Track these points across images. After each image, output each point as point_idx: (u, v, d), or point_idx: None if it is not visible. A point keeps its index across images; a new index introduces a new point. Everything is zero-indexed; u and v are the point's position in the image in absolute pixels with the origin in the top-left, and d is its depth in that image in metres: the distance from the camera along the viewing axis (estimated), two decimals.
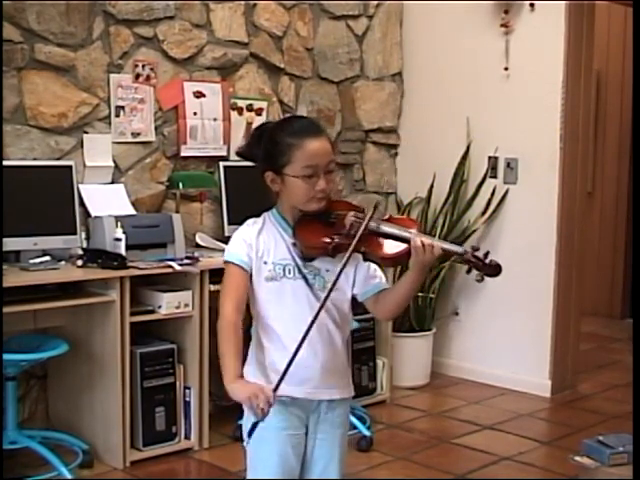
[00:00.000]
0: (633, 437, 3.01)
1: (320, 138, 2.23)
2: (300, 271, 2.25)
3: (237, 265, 2.24)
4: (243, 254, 2.25)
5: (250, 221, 2.33)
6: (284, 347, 2.23)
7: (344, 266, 2.17)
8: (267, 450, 2.29)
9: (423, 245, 2.14)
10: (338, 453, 2.35)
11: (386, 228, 2.23)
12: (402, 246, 2.20)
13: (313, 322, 2.14)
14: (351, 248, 2.17)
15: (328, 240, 2.21)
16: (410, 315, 5.12)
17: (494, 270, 2.18)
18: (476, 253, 2.17)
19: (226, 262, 2.27)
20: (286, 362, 2.15)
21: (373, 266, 2.32)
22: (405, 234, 2.20)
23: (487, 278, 2.19)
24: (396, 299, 2.28)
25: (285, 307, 2.25)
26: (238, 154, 2.41)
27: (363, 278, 2.30)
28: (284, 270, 2.25)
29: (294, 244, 2.25)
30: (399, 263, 2.28)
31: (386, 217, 2.31)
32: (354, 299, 2.35)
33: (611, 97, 7.12)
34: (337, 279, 2.18)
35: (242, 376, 2.20)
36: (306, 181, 2.20)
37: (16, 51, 3.94)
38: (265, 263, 2.25)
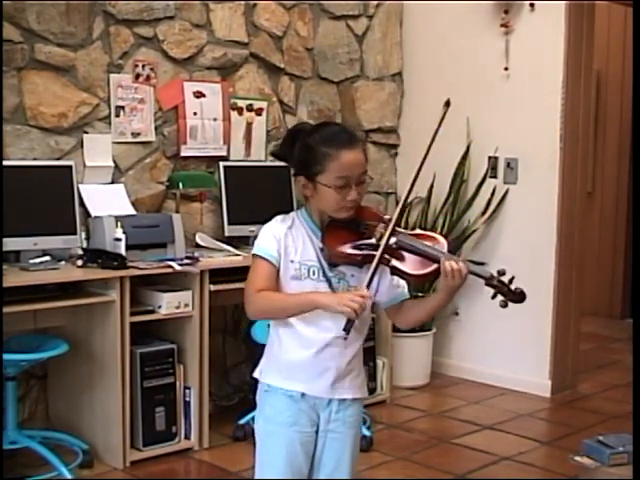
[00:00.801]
0: (633, 437, 3.01)
1: (355, 149, 2.23)
2: (325, 274, 2.25)
3: (266, 260, 2.25)
4: (273, 249, 2.25)
5: (279, 217, 2.32)
6: (303, 347, 2.25)
7: (372, 278, 2.19)
8: (275, 445, 2.29)
9: (452, 269, 2.15)
10: (349, 454, 2.36)
11: (416, 244, 2.23)
12: (431, 266, 2.20)
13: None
14: (376, 261, 2.18)
15: (357, 252, 2.22)
16: None
17: (519, 297, 2.20)
18: (502, 278, 2.19)
19: (255, 255, 2.27)
20: (302, 360, 2.21)
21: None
22: (434, 253, 2.20)
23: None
24: (420, 314, 2.33)
25: None
26: (272, 154, 2.43)
27: (387, 287, 2.31)
28: (309, 271, 2.25)
29: (322, 249, 2.26)
30: (426, 282, 2.32)
31: (416, 232, 2.33)
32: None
33: (611, 97, 7.12)
34: (368, 287, 2.18)
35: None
36: (338, 191, 2.20)
37: (16, 51, 3.94)
38: (292, 262, 2.25)
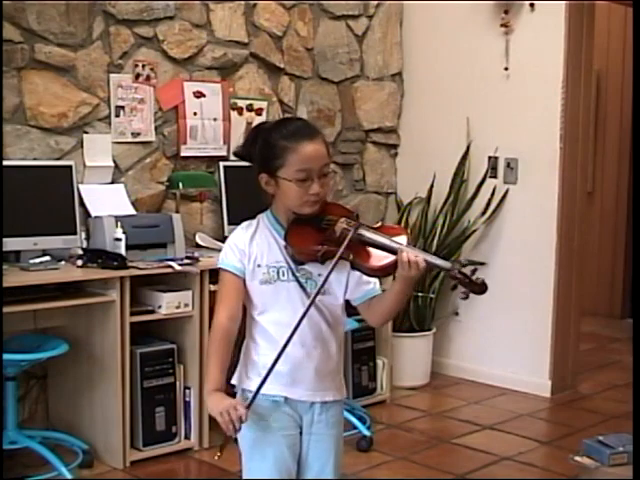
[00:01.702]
0: (633, 437, 3.01)
1: (314, 141, 2.20)
2: (294, 274, 2.23)
3: (230, 272, 2.24)
4: (235, 260, 2.24)
5: (244, 224, 2.31)
6: (278, 348, 2.21)
7: (329, 274, 2.16)
8: (262, 451, 2.27)
9: (409, 260, 2.12)
10: (334, 454, 2.33)
11: (374, 237, 2.20)
12: (390, 258, 2.16)
13: (301, 319, 2.14)
14: (337, 256, 2.15)
15: (318, 247, 2.19)
16: (410, 315, 5.12)
17: (479, 288, 2.14)
18: (463, 270, 2.14)
19: (220, 268, 2.27)
20: (279, 363, 2.16)
21: None
22: (393, 245, 2.17)
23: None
24: (383, 309, 2.27)
25: (279, 309, 2.24)
26: (235, 154, 2.40)
27: (355, 284, 2.28)
28: (278, 273, 2.24)
29: (286, 247, 2.23)
30: (387, 274, 2.24)
31: (378, 225, 2.29)
32: (348, 302, 2.34)
33: (611, 97, 7.12)
34: (322, 285, 2.17)
35: (223, 388, 2.21)
36: (300, 185, 2.18)
37: (16, 51, 3.94)
38: (259, 266, 2.24)
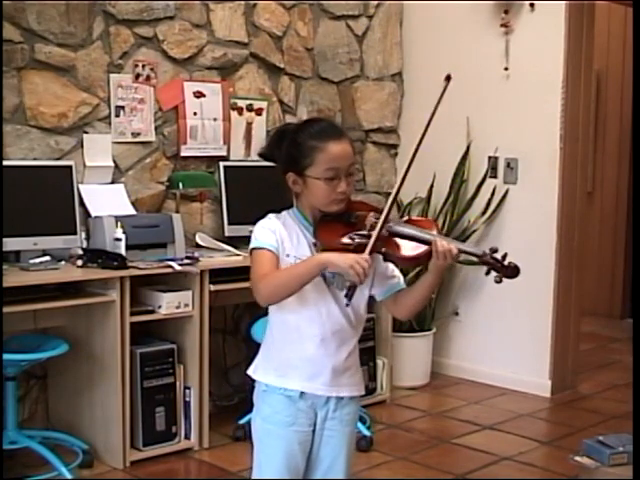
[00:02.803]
0: (633, 437, 3.01)
1: (342, 141, 2.25)
2: None
3: (267, 249, 2.24)
4: (272, 240, 2.25)
5: (271, 215, 2.33)
6: (299, 343, 2.25)
7: (370, 253, 2.18)
8: (273, 446, 2.30)
9: (444, 249, 2.17)
10: (345, 451, 2.36)
11: (406, 229, 2.26)
12: (422, 247, 2.22)
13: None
14: (370, 245, 2.18)
15: (349, 241, 2.22)
16: None
17: (512, 272, 2.20)
18: (495, 255, 2.20)
19: (255, 249, 2.26)
20: (298, 358, 2.22)
21: (391, 266, 2.34)
22: (426, 236, 2.22)
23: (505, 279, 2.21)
24: (414, 300, 2.31)
25: (302, 303, 2.25)
26: (260, 155, 2.42)
27: (381, 278, 2.32)
28: None
29: (315, 244, 2.26)
30: (419, 264, 2.32)
31: (406, 218, 2.36)
32: (371, 298, 2.36)
33: (611, 97, 7.12)
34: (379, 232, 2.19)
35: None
36: (328, 183, 2.22)
37: (16, 51, 3.94)
38: (288, 256, 2.26)
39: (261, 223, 2.31)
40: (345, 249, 2.21)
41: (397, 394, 4.95)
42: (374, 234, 2.19)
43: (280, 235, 2.26)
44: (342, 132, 2.30)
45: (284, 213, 2.33)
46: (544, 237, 4.97)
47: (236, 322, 4.72)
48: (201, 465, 3.95)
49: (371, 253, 2.18)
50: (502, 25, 5.03)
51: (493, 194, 5.13)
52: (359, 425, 4.11)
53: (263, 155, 2.39)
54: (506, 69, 5.06)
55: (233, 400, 4.67)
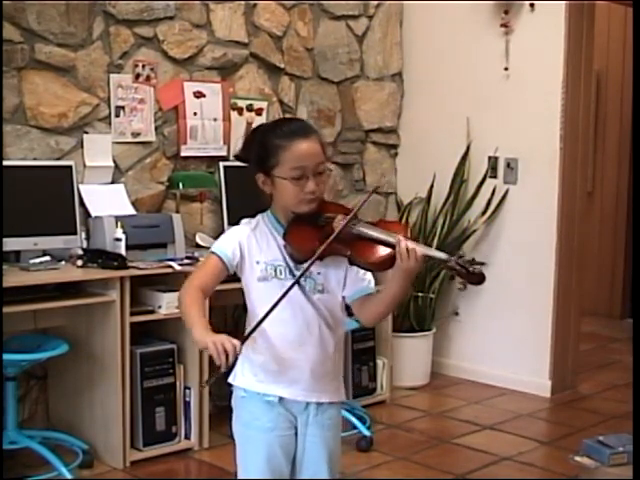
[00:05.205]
0: (633, 437, 3.01)
1: (308, 139, 2.21)
2: (292, 272, 2.23)
3: (217, 256, 2.24)
4: (229, 249, 2.24)
5: (245, 221, 2.33)
6: (277, 348, 2.23)
7: (312, 263, 2.16)
8: (255, 450, 2.28)
9: (407, 250, 2.11)
10: (328, 456, 2.32)
11: (371, 232, 2.19)
12: (387, 251, 2.16)
13: (282, 297, 2.13)
14: (324, 245, 2.15)
15: (316, 244, 2.18)
16: (410, 315, 5.12)
17: (476, 278, 2.13)
18: (460, 261, 2.13)
19: (210, 251, 2.27)
20: (274, 362, 2.18)
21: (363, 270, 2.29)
22: (390, 239, 2.16)
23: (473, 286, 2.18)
24: (379, 306, 2.25)
25: (279, 309, 2.20)
26: (235, 157, 2.42)
27: (352, 281, 2.27)
28: (275, 271, 2.24)
29: (285, 246, 2.24)
30: (385, 268, 2.21)
31: (376, 221, 2.28)
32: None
33: (611, 97, 7.12)
34: (307, 269, 2.17)
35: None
36: (295, 183, 2.19)
37: (16, 51, 3.94)
38: (257, 263, 2.24)
39: (232, 229, 2.30)
40: (312, 251, 2.17)
41: (397, 394, 4.95)
42: (329, 238, 2.15)
43: (247, 243, 2.24)
44: (310, 130, 2.25)
45: (258, 217, 2.31)
46: (544, 237, 4.97)
47: (236, 322, 4.71)
48: (201, 465, 3.95)
49: (324, 257, 2.16)
50: (502, 25, 5.03)
51: (493, 194, 5.13)
52: (359, 425, 4.11)
53: (238, 157, 2.38)
54: (506, 69, 5.06)
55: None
